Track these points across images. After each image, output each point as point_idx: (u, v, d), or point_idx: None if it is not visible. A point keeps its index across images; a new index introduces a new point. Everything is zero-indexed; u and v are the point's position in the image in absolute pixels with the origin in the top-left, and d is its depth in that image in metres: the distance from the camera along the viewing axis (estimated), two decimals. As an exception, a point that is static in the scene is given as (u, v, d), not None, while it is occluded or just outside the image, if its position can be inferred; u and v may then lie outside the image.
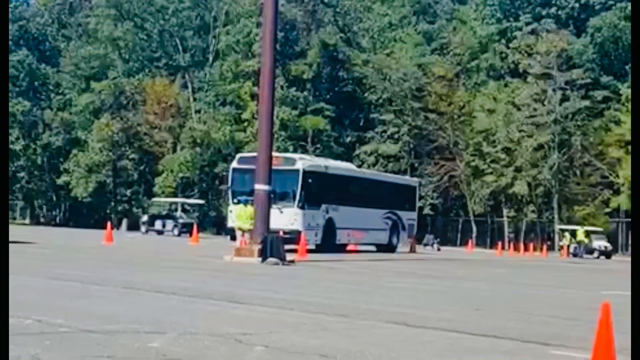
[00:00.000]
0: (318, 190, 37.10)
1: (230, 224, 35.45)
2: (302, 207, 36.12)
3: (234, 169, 38.13)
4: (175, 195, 78.32)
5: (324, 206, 37.85)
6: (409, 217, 46.36)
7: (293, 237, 33.60)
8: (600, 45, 76.25)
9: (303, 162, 37.75)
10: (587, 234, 61.75)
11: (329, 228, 38.22)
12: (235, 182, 37.54)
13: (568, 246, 61.89)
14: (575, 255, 59.53)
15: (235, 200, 33.79)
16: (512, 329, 11.52)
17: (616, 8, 76.25)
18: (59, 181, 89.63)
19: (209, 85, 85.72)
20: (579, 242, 60.75)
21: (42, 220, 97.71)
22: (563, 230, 65.16)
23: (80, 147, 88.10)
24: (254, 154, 38.07)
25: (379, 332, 10.54)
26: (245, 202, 30.65)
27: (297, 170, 36.27)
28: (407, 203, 46.88)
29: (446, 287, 20.78)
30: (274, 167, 31.37)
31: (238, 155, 41.52)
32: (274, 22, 28.98)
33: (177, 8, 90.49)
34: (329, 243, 38.06)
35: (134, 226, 76.76)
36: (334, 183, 39.54)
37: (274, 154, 39.57)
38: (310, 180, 36.40)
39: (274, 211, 33.06)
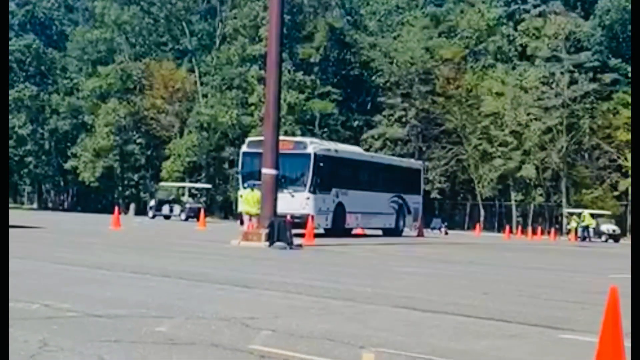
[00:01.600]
0: (328, 175, 36.99)
1: (239, 208, 35.34)
2: (313, 192, 35.98)
3: (244, 153, 37.86)
4: (182, 179, 78.35)
5: (334, 190, 37.77)
6: (414, 200, 46.29)
7: (304, 221, 33.55)
8: (608, 27, 75.93)
9: (314, 145, 37.44)
10: (593, 216, 61.59)
11: (339, 212, 38.13)
12: (246, 166, 37.29)
13: (576, 229, 61.75)
14: (583, 239, 59.43)
15: (245, 185, 33.70)
16: (520, 312, 11.50)
17: (624, -10, 75.95)
18: (67, 166, 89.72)
19: (216, 69, 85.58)
20: (586, 226, 60.58)
21: (49, 205, 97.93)
22: (571, 214, 65.08)
23: (88, 131, 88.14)
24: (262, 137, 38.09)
25: (386, 316, 10.53)
26: (253, 187, 30.60)
27: (309, 154, 36.05)
28: (413, 186, 46.74)
29: (454, 271, 20.77)
30: (284, 151, 31.32)
31: (248, 139, 41.13)
32: (281, 6, 28.87)
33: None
34: (339, 227, 38.00)
35: (141, 211, 76.90)
36: (343, 167, 39.55)
37: (285, 137, 39.53)
38: (321, 164, 36.24)
39: (285, 195, 33.35)
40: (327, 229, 37.22)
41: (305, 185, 35.93)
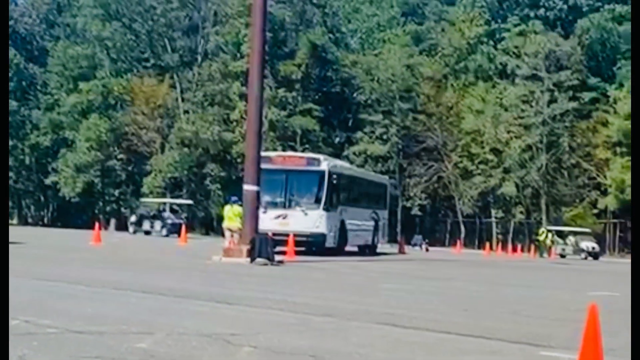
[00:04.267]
0: (337, 192, 36.30)
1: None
2: (327, 209, 34.80)
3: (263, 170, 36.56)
4: (163, 195, 78.20)
5: (339, 207, 36.83)
6: (383, 216, 45.76)
7: (317, 240, 33.03)
8: (588, 47, 76.50)
9: (327, 162, 36.51)
10: (548, 234, 61.33)
11: (342, 230, 37.18)
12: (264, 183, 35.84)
13: (548, 246, 61.69)
14: (541, 255, 59.49)
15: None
16: (500, 329, 11.54)
17: (604, 10, 76.59)
18: (47, 181, 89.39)
19: (198, 86, 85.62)
20: (543, 242, 60.58)
21: (30, 220, 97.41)
22: (549, 231, 65.30)
23: (68, 147, 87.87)
24: (282, 153, 37.72)
25: (367, 332, 10.55)
26: (234, 202, 30.52)
27: (323, 171, 34.95)
28: (384, 201, 46.49)
29: (434, 287, 20.80)
30: (296, 168, 31.16)
31: (263, 154, 39.11)
32: (263, 23, 28.97)
33: (166, 8, 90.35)
34: (342, 245, 37.11)
35: (122, 227, 76.61)
36: (348, 183, 39.11)
37: (296, 154, 39.22)
38: (334, 181, 35.42)
39: (297, 213, 33.05)
40: (333, 247, 35.96)
41: (319, 203, 34.62)
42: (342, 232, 37.14)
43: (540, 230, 63.55)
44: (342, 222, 37.14)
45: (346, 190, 38.76)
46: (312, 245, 33.47)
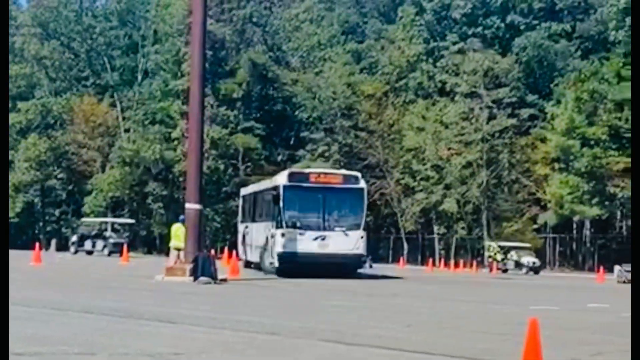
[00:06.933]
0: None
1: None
2: (365, 229, 33.01)
3: (285, 187, 32.22)
4: (105, 214, 77.46)
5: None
6: None
7: (356, 262, 31.90)
8: (525, 64, 77.56)
9: (363, 180, 34.42)
10: (497, 249, 61.93)
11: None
12: (288, 201, 31.91)
13: (498, 261, 62.28)
14: (491, 270, 60.10)
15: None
16: (444, 345, 11.63)
17: (540, 28, 77.73)
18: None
19: (138, 104, 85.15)
20: (493, 258, 61.24)
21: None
22: (499, 246, 65.68)
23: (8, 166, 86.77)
24: (317, 170, 36.59)
25: (312, 350, 10.56)
26: (183, 221, 29.96)
27: (362, 189, 33.16)
28: None
29: (377, 303, 20.88)
30: (332, 185, 30.52)
31: (288, 171, 35.73)
32: (203, 41, 28.97)
33: (105, 27, 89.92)
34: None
35: (63, 247, 75.69)
36: None
37: (333, 170, 37.76)
38: (367, 200, 34.08)
39: (337, 234, 31.37)
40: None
41: (359, 223, 32.55)
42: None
43: (489, 246, 64.13)
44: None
45: None
46: (350, 268, 31.97)
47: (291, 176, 33.19)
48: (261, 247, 34.26)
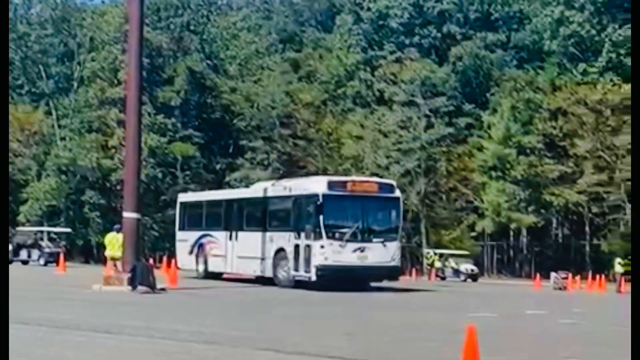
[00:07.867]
0: None
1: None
2: (401, 240, 32.14)
3: (325, 196, 29.72)
4: (41, 224, 76.29)
5: None
6: None
7: (393, 274, 31.25)
8: (462, 73, 78.29)
9: (398, 189, 32.82)
10: (436, 256, 62.44)
11: None
12: (328, 212, 29.64)
13: (436, 268, 62.62)
14: (442, 278, 60.52)
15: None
16: (383, 353, 11.66)
17: (476, 38, 78.54)
18: None
19: (74, 112, 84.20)
20: (433, 265, 61.72)
21: None
22: (438, 254, 66.06)
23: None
24: (351, 178, 35.65)
25: (251, 359, 10.52)
26: (118, 230, 29.46)
27: (398, 198, 31.58)
28: None
29: (317, 312, 20.88)
30: (367, 194, 29.80)
31: (327, 179, 32.77)
32: (139, 49, 28.76)
33: (40, 35, 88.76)
34: None
35: (-4, 257, 74.41)
36: None
37: (368, 178, 36.47)
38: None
39: (375, 246, 30.27)
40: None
41: (396, 233, 31.52)
42: None
43: (428, 254, 64.56)
44: None
45: None
46: (385, 279, 31.46)
47: (330, 184, 30.97)
48: (270, 258, 32.16)
